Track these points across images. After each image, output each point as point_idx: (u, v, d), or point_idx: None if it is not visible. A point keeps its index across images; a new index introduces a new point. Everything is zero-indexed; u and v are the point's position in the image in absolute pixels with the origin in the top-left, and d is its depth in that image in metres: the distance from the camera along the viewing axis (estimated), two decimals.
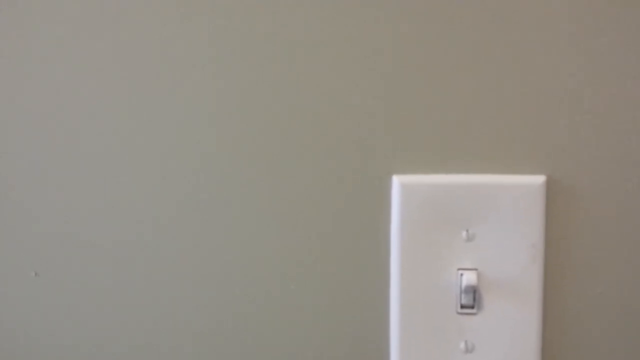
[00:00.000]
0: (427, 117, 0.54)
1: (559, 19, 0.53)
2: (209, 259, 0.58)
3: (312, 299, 0.57)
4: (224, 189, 0.57)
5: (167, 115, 0.56)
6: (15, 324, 0.60)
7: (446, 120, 0.54)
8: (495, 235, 0.55)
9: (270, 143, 0.56)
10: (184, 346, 0.59)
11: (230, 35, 0.55)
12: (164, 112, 0.56)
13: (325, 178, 0.56)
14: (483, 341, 0.56)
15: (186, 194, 0.57)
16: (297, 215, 0.56)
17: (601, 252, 0.55)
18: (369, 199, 0.56)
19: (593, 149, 0.54)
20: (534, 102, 0.54)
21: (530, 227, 0.54)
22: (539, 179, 0.54)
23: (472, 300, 0.55)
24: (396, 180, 0.55)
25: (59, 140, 0.57)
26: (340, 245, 0.57)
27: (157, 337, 0.59)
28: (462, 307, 0.55)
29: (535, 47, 0.53)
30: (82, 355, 0.60)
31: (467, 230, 0.55)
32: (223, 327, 0.59)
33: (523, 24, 0.53)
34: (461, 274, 0.55)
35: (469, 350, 0.56)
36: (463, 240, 0.55)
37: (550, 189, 0.54)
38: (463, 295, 0.55)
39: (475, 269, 0.55)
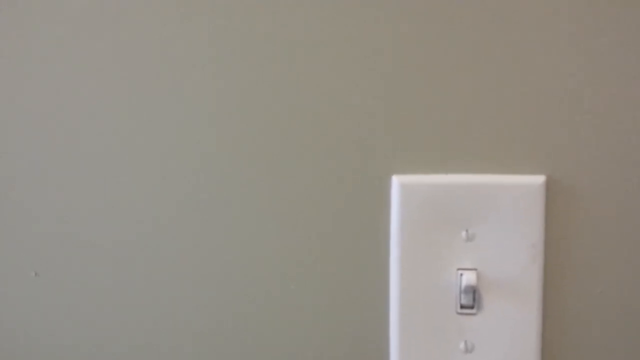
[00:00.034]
0: (427, 117, 0.54)
1: (559, 19, 0.53)
2: (209, 259, 0.58)
3: (312, 299, 0.57)
4: (224, 189, 0.57)
5: (167, 115, 0.56)
6: (15, 324, 0.60)
7: (446, 120, 0.54)
8: (495, 235, 0.55)
9: (270, 143, 0.56)
10: (184, 346, 0.59)
11: (230, 35, 0.55)
12: (164, 112, 0.56)
13: (325, 178, 0.56)
14: (483, 341, 0.56)
15: (186, 194, 0.57)
16: (297, 215, 0.56)
17: (601, 252, 0.55)
18: (368, 199, 0.56)
19: (593, 149, 0.54)
20: (534, 102, 0.54)
21: (530, 227, 0.54)
22: (539, 179, 0.54)
23: (472, 300, 0.55)
24: (396, 181, 0.55)
25: (59, 140, 0.57)
26: (340, 245, 0.57)
27: (157, 337, 0.59)
28: (462, 307, 0.55)
29: (535, 47, 0.53)
30: (82, 355, 0.60)
31: (467, 230, 0.55)
32: (223, 327, 0.59)
33: (523, 24, 0.53)
34: (461, 274, 0.55)
35: (468, 350, 0.56)
36: (463, 240, 0.55)
37: (550, 189, 0.54)
38: (463, 296, 0.55)
39: (475, 269, 0.55)
